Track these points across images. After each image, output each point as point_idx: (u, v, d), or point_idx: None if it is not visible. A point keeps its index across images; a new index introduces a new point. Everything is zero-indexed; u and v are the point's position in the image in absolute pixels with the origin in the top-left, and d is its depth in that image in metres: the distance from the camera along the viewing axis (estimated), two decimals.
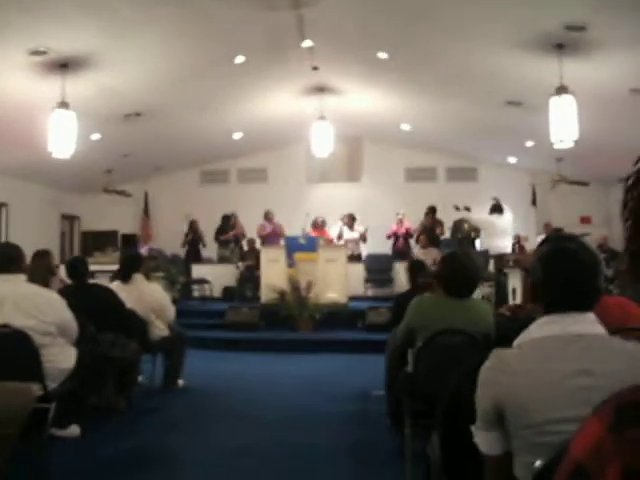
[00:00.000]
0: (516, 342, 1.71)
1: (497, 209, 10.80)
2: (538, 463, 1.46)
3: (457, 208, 10.27)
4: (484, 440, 1.66)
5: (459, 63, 8.49)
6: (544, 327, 1.66)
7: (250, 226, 12.68)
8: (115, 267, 6.29)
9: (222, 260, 12.78)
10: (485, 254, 10.39)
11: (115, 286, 5.55)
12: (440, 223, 12.33)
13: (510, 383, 1.58)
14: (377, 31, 8.00)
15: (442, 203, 12.75)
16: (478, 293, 7.57)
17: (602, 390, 1.50)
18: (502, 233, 10.33)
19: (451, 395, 2.14)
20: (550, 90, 7.22)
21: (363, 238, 12.35)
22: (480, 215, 11.54)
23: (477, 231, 11.22)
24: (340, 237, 12.00)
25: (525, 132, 10.95)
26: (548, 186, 13.17)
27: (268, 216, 12.36)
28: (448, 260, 3.72)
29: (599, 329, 1.65)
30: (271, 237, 11.83)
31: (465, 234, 11.68)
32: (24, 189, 12.35)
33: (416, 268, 5.53)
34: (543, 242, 1.81)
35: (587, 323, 1.64)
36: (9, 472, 3.01)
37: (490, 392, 1.62)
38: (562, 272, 1.66)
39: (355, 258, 11.84)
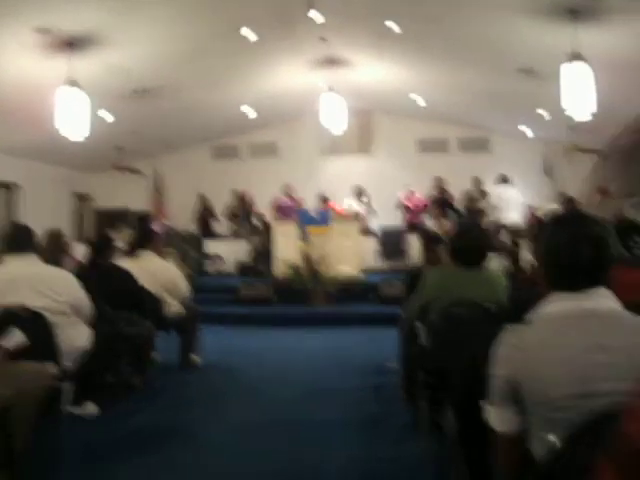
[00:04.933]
0: (527, 318, 1.68)
1: (504, 180, 10.71)
2: (552, 438, 1.44)
3: None
4: (498, 417, 1.64)
5: (469, 30, 8.31)
6: (557, 303, 1.63)
7: (263, 201, 12.65)
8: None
9: (234, 235, 12.81)
10: (498, 224, 10.36)
11: (123, 263, 5.50)
12: (449, 193, 12.28)
13: (525, 359, 1.56)
14: None
15: (455, 174, 12.70)
16: (497, 265, 7.53)
17: (617, 366, 1.49)
18: (511, 206, 10.26)
19: (465, 368, 2.13)
20: (563, 58, 7.08)
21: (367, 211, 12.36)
22: (489, 188, 11.47)
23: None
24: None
25: (538, 101, 10.76)
26: (562, 156, 12.99)
27: (286, 190, 12.38)
28: (458, 230, 3.70)
29: (613, 304, 1.62)
30: (287, 211, 11.81)
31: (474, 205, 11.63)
32: (35, 169, 12.35)
33: (430, 240, 5.46)
34: (548, 224, 1.76)
35: (600, 298, 1.61)
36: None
37: (505, 368, 1.60)
38: (576, 258, 1.61)
39: (366, 232, 11.80)
